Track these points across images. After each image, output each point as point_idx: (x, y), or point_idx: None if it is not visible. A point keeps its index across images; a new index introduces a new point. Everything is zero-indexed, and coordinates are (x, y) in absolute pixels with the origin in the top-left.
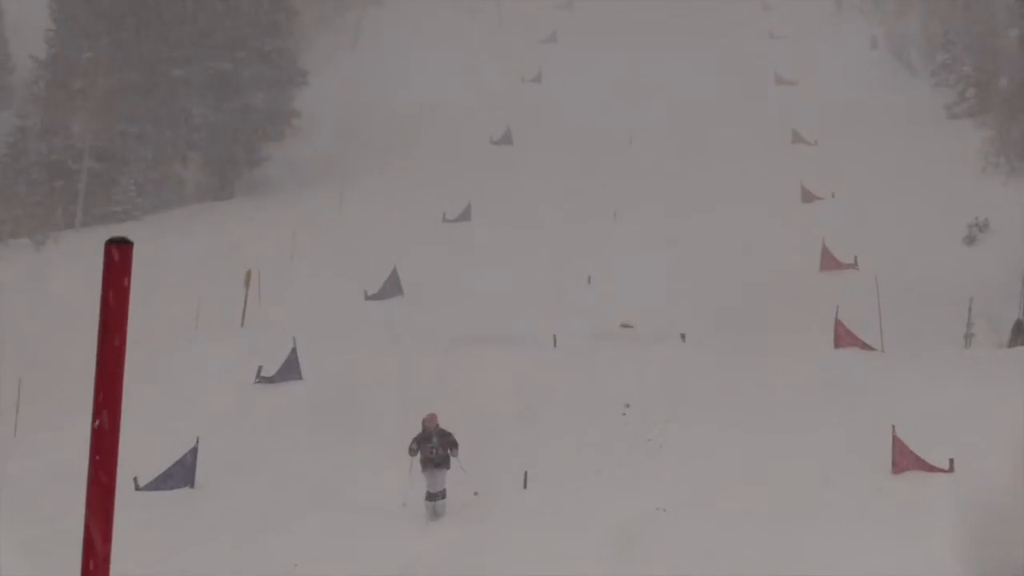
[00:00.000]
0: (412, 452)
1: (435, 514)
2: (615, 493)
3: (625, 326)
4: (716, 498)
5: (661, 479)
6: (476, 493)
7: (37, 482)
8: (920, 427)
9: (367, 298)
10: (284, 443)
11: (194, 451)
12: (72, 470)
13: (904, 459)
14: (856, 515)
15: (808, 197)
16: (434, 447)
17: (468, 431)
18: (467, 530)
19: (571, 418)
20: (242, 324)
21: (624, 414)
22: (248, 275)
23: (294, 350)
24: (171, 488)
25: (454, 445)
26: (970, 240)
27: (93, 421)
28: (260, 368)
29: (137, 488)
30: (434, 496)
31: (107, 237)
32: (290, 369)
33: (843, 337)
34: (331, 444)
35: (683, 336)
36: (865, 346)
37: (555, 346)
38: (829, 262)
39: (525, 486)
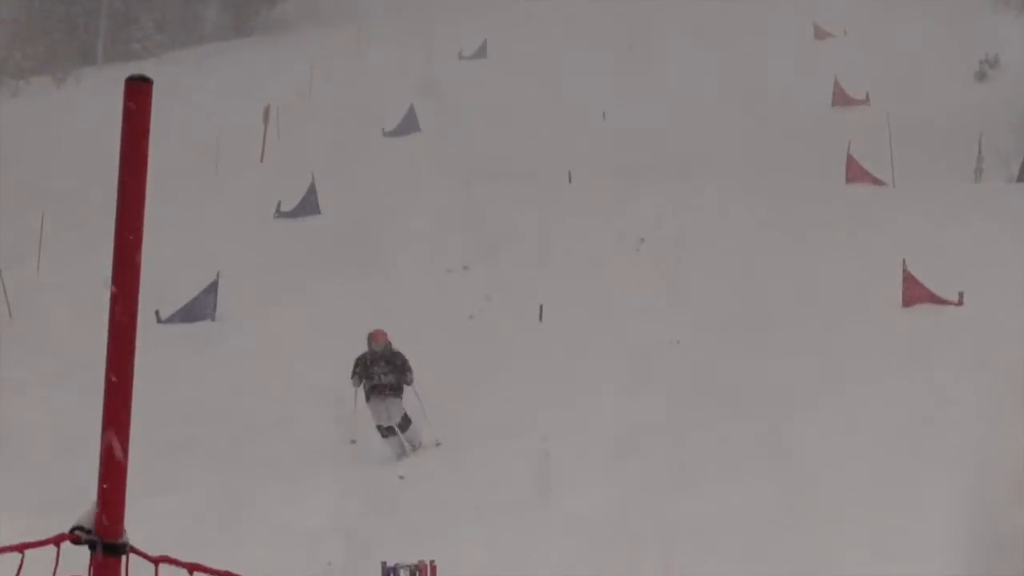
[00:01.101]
0: (356, 381)
1: (402, 450)
2: (630, 326)
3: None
4: (729, 331)
5: (676, 312)
6: (438, 444)
7: (60, 317)
8: (930, 261)
9: (385, 135)
10: (303, 276)
11: (215, 284)
12: (94, 304)
13: (914, 292)
14: (865, 347)
15: (821, 34)
16: (381, 372)
17: (484, 265)
18: (484, 358)
19: (587, 252)
20: (261, 160)
21: (638, 249)
22: (267, 111)
23: (312, 185)
24: (193, 321)
25: (406, 371)
26: (981, 76)
27: (114, 254)
28: (279, 203)
29: (159, 321)
30: (389, 430)
31: (127, 75)
32: (309, 204)
33: (854, 172)
34: (349, 278)
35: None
36: (876, 181)
37: (570, 182)
38: (841, 98)
39: (541, 319)
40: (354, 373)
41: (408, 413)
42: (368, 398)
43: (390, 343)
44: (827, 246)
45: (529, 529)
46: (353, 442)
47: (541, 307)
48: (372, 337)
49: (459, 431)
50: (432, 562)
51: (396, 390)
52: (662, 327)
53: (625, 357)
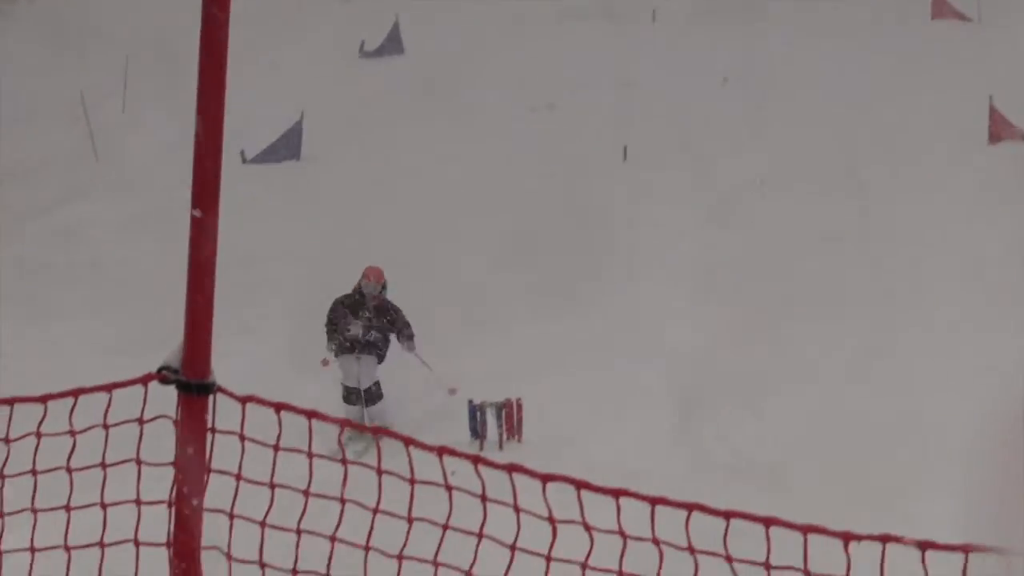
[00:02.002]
0: (331, 334)
1: (357, 432)
2: (714, 164)
3: None
4: (812, 170)
5: (760, 151)
6: (453, 391)
7: (145, 158)
8: (1017, 96)
9: None
10: (387, 117)
11: (299, 124)
12: (180, 144)
13: (1000, 128)
14: (950, 185)
15: None
16: (365, 323)
17: (569, 102)
18: (567, 197)
19: (671, 90)
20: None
21: (723, 87)
22: None
23: (396, 24)
24: (278, 161)
25: (403, 328)
26: None
27: (198, 94)
28: (363, 43)
29: (244, 161)
30: (355, 395)
31: None
32: (393, 43)
33: (939, 7)
34: (433, 119)
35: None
36: (962, 16)
37: (654, 20)
38: None
39: (625, 158)
40: (329, 330)
41: (382, 385)
42: (338, 353)
43: (385, 287)
44: (912, 84)
45: (613, 368)
46: None
47: (625, 147)
48: (365, 275)
49: (545, 271)
50: (519, 400)
51: (377, 348)
52: (746, 166)
53: (709, 196)
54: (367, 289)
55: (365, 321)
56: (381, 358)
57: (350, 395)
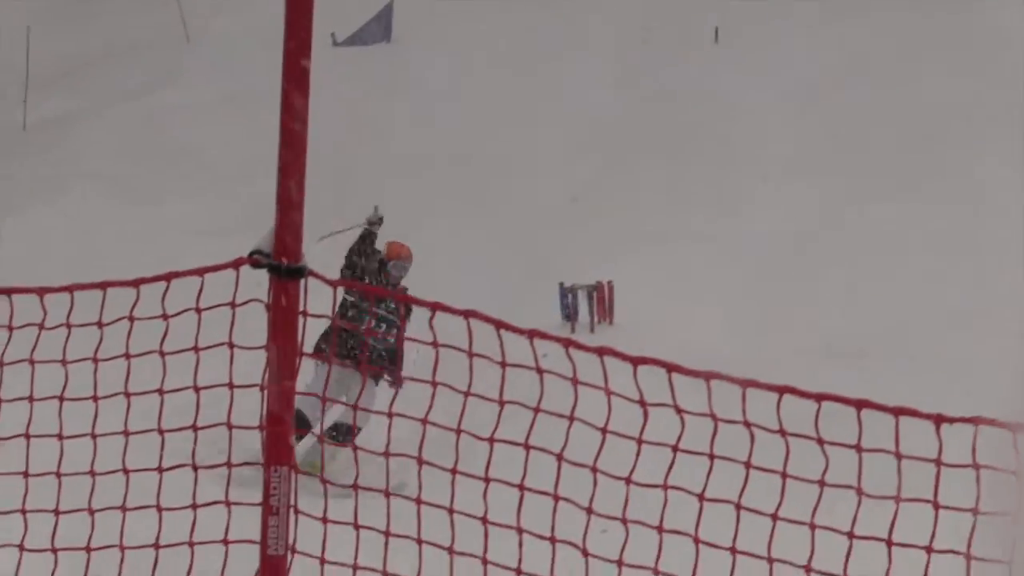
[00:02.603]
0: (345, 312)
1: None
2: (805, 48)
3: None
4: (908, 51)
5: (852, 37)
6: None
7: (237, 39)
8: None
9: None
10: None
11: (390, 6)
12: (272, 25)
13: None
14: None
15: None
16: (387, 314)
17: None
18: (655, 85)
19: None
20: None
21: None
22: None
23: None
24: (368, 43)
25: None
26: None
27: None
28: None
29: (335, 44)
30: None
31: None
32: None
33: None
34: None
35: None
36: None
37: None
38: None
39: (716, 39)
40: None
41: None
42: (321, 346)
43: (408, 263)
44: None
45: (704, 252)
46: None
47: (716, 28)
48: (394, 252)
49: (633, 149)
50: (610, 282)
51: (385, 365)
52: (838, 48)
53: (801, 78)
54: (397, 271)
55: (383, 311)
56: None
57: (305, 422)
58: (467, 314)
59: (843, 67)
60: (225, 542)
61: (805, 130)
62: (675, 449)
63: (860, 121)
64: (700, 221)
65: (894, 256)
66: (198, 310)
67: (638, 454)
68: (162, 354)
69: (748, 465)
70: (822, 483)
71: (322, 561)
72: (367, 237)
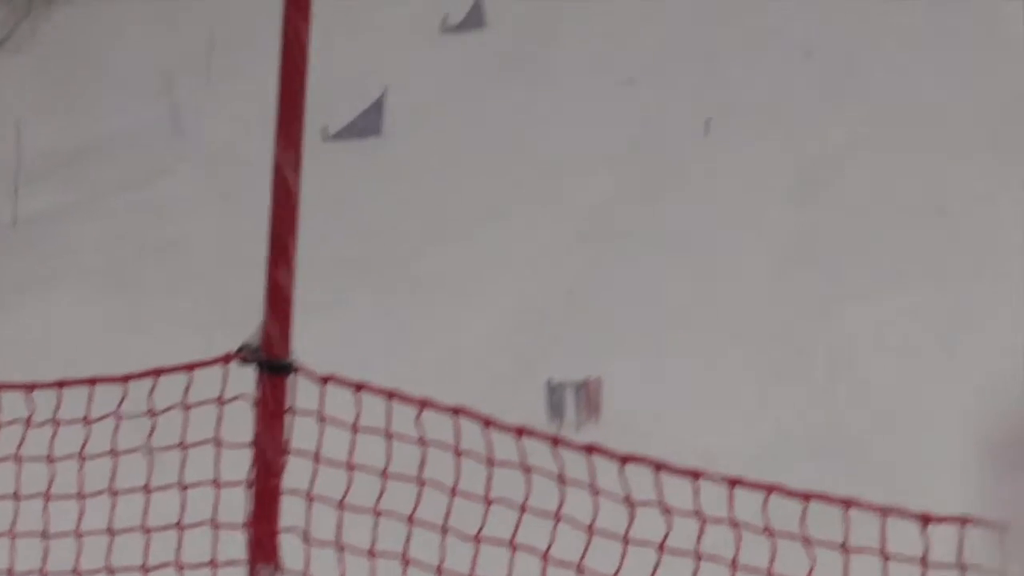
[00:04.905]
0: None
1: None
2: (796, 137)
3: None
4: (899, 137)
5: (843, 122)
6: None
7: (230, 132)
8: None
9: None
10: (470, 91)
11: (381, 100)
12: (263, 119)
13: None
14: None
15: None
16: None
17: (650, 79)
18: (647, 178)
19: (752, 64)
20: None
21: (805, 61)
22: None
23: None
24: (360, 137)
25: None
26: None
27: (280, 69)
28: (446, 16)
29: (326, 137)
30: None
31: None
32: (475, 17)
33: None
34: (517, 94)
35: None
36: None
37: None
38: None
39: (707, 132)
40: None
41: None
42: None
43: None
44: (997, 57)
45: (695, 345)
46: None
47: (707, 121)
48: None
49: (625, 245)
50: (597, 379)
51: None
52: (827, 137)
53: (791, 168)
54: None
55: None
56: None
57: None
58: (455, 411)
59: (831, 166)
60: None
61: (796, 222)
62: (661, 548)
63: (854, 214)
64: (688, 315)
65: (884, 349)
66: (186, 407)
67: (624, 554)
68: (149, 451)
69: (734, 565)
70: None
71: None
72: None
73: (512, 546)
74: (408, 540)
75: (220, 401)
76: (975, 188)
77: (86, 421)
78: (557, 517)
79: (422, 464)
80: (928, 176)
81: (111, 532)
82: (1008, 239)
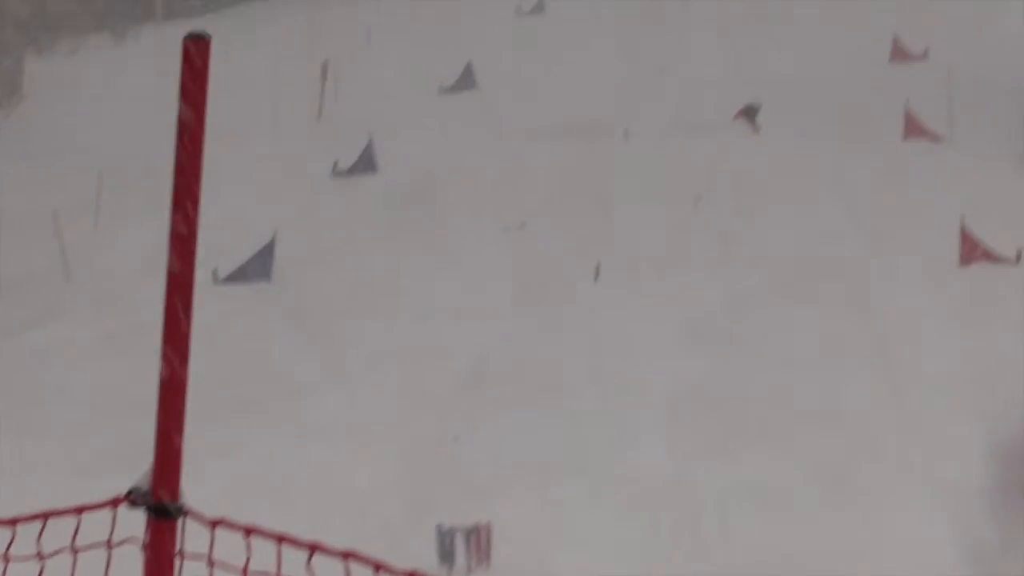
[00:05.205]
0: None
1: None
2: (686, 285)
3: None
4: (784, 288)
5: (732, 269)
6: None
7: (117, 278)
8: (988, 218)
9: (442, 91)
10: (360, 236)
11: (271, 244)
12: (152, 264)
13: (971, 251)
14: (921, 306)
15: None
16: None
17: (540, 223)
18: (537, 323)
19: (642, 211)
20: (318, 118)
21: (695, 208)
22: (324, 67)
23: (370, 143)
24: (249, 281)
25: None
26: None
27: (172, 215)
28: (336, 162)
29: (216, 282)
30: None
31: (186, 31)
32: (366, 162)
33: (912, 128)
34: (406, 238)
35: (753, 114)
36: (934, 137)
37: (626, 139)
38: (899, 53)
39: (597, 277)
40: None
41: None
42: None
43: None
44: (884, 202)
45: (585, 491)
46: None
47: (598, 266)
48: None
49: (513, 391)
50: (488, 524)
51: None
52: (718, 284)
53: (682, 316)
54: None
55: None
56: None
57: None
58: (345, 555)
59: (721, 313)
60: None
61: (687, 368)
62: None
63: (743, 360)
64: (580, 459)
65: (777, 495)
66: (74, 550)
67: None
68: None
69: None
70: None
71: None
72: None
73: None
74: None
75: (109, 545)
76: (865, 337)
77: None
78: None
79: None
80: (817, 325)
81: None
82: (901, 389)
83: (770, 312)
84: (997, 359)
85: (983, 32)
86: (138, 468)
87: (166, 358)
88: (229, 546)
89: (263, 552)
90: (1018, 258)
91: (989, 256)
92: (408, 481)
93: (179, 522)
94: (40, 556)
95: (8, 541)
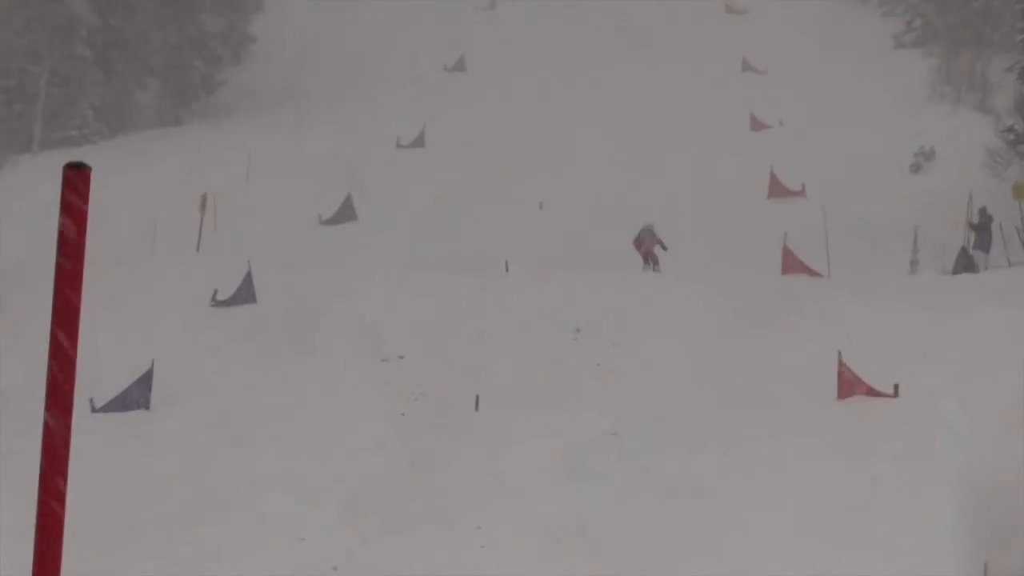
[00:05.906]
0: None
1: None
2: (565, 417)
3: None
4: (664, 421)
5: (612, 403)
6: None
7: None
8: (865, 352)
9: (322, 223)
10: (239, 365)
11: (149, 373)
12: (26, 393)
13: (849, 385)
14: (800, 440)
15: (757, 125)
16: None
17: (420, 353)
18: (419, 449)
19: (522, 342)
20: (198, 249)
21: (575, 339)
22: (204, 199)
23: (249, 274)
24: (127, 410)
25: None
26: (916, 168)
27: (50, 343)
28: (215, 292)
29: (93, 410)
30: None
31: (65, 162)
32: (245, 293)
33: (790, 263)
34: (285, 368)
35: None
36: (811, 272)
37: (507, 271)
38: (777, 189)
39: (477, 408)
40: None
41: None
42: None
43: None
44: (762, 337)
45: None
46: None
47: (477, 397)
48: None
49: (393, 520)
50: None
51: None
52: (598, 418)
53: (562, 449)
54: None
55: None
56: None
57: None
58: None
59: (604, 439)
60: None
61: (568, 501)
62: None
63: (626, 493)
64: None
65: None
66: None
67: None
68: None
69: None
70: None
71: None
72: None
73: None
74: None
75: None
76: (743, 468)
77: None
78: None
79: None
80: (694, 455)
81: None
82: (776, 520)
83: (649, 444)
84: (873, 491)
85: (858, 169)
86: None
87: (42, 496)
88: None
89: None
90: (895, 392)
91: (867, 390)
92: None
93: None
94: None
95: None
